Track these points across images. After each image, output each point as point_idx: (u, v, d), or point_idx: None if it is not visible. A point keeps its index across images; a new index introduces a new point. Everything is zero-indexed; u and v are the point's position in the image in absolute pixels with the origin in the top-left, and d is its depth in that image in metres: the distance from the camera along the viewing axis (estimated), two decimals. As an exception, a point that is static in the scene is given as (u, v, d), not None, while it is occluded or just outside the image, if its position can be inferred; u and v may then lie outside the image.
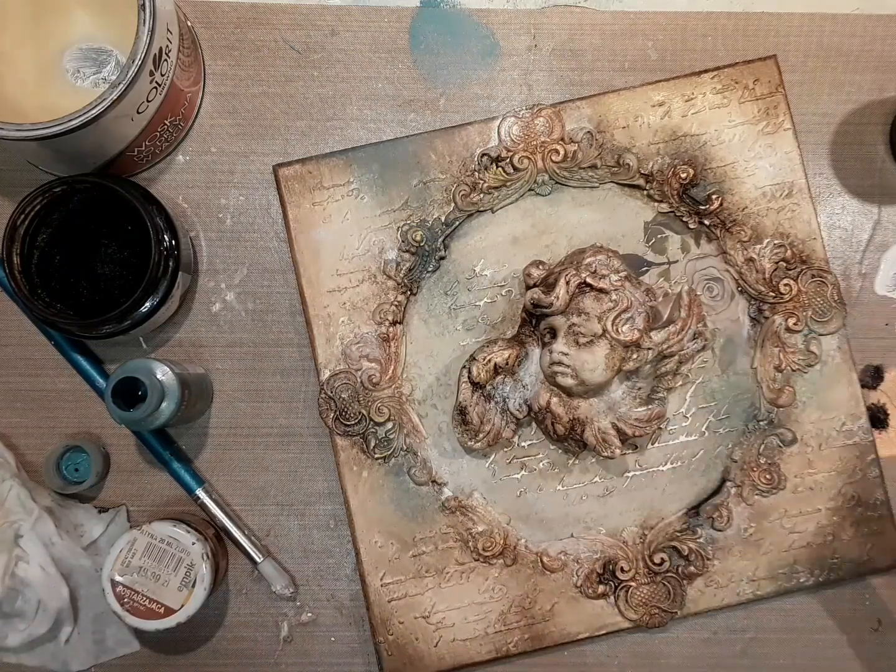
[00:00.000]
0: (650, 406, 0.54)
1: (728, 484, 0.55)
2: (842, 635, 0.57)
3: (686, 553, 0.54)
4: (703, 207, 0.56)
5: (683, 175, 0.56)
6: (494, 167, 0.56)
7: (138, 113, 0.48)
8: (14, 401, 0.56)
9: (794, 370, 0.55)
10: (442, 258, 0.57)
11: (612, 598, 0.55)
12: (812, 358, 0.55)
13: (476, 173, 0.56)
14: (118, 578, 0.50)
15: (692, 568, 0.54)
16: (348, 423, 0.55)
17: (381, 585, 0.55)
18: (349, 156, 0.56)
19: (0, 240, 0.48)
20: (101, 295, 0.51)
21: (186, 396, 0.50)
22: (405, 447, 0.55)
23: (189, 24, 0.54)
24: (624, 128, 0.56)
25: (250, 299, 0.58)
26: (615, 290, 0.50)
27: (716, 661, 0.56)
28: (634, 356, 0.52)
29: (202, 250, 0.57)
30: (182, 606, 0.50)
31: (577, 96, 0.57)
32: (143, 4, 0.44)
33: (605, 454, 0.52)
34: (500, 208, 0.57)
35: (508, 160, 0.56)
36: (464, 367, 0.54)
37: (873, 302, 0.59)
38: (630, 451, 0.56)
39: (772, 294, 0.56)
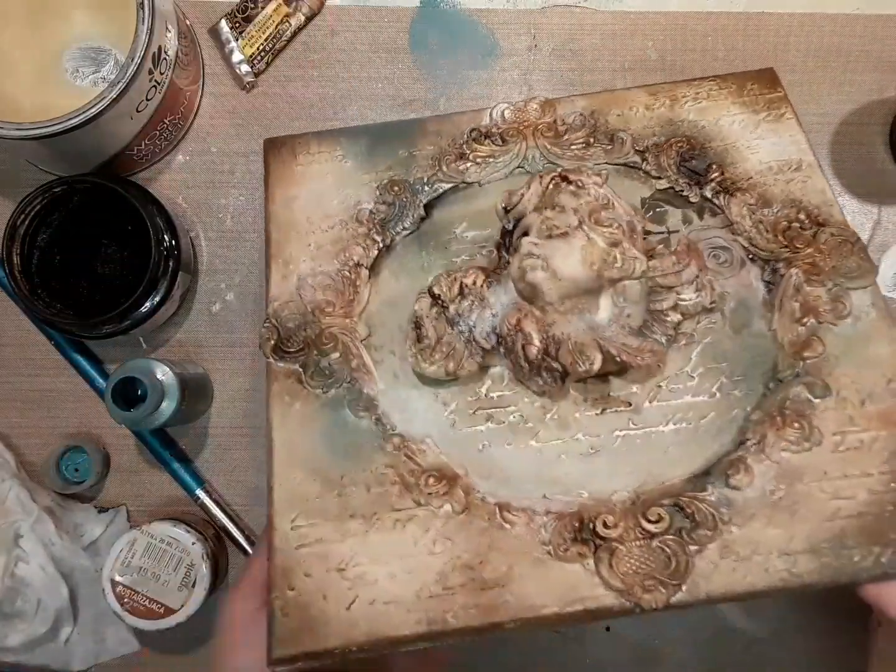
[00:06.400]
0: (643, 338, 0.50)
1: (748, 442, 0.48)
2: (841, 635, 0.58)
3: (691, 511, 0.45)
4: (703, 178, 0.58)
5: (682, 146, 0.58)
6: (483, 139, 0.61)
7: (137, 112, 0.52)
8: (14, 401, 0.59)
9: (820, 322, 0.51)
10: (423, 218, 0.59)
11: (591, 560, 0.45)
12: (841, 308, 0.52)
13: (464, 145, 0.61)
14: (118, 578, 0.53)
15: (700, 531, 0.45)
16: (288, 350, 0.53)
17: (291, 528, 0.47)
18: (340, 132, 0.62)
19: (0, 240, 0.51)
20: (101, 295, 0.54)
21: (186, 396, 0.53)
22: (349, 380, 0.52)
23: (188, 22, 0.59)
24: (618, 115, 0.62)
25: (250, 299, 0.61)
26: (595, 185, 0.51)
27: (716, 660, 0.53)
28: (618, 262, 0.50)
29: (202, 250, 0.62)
30: (182, 606, 0.52)
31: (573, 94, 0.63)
32: (142, 3, 0.48)
33: (582, 369, 0.48)
34: (488, 182, 0.60)
35: (498, 135, 0.61)
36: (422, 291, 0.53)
37: None
38: (623, 409, 0.50)
39: (786, 250, 0.54)
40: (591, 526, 0.46)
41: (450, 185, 0.60)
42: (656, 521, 0.46)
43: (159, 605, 0.52)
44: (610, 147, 0.60)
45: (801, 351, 0.50)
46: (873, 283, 0.53)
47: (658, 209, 0.58)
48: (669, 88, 0.63)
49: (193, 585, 0.52)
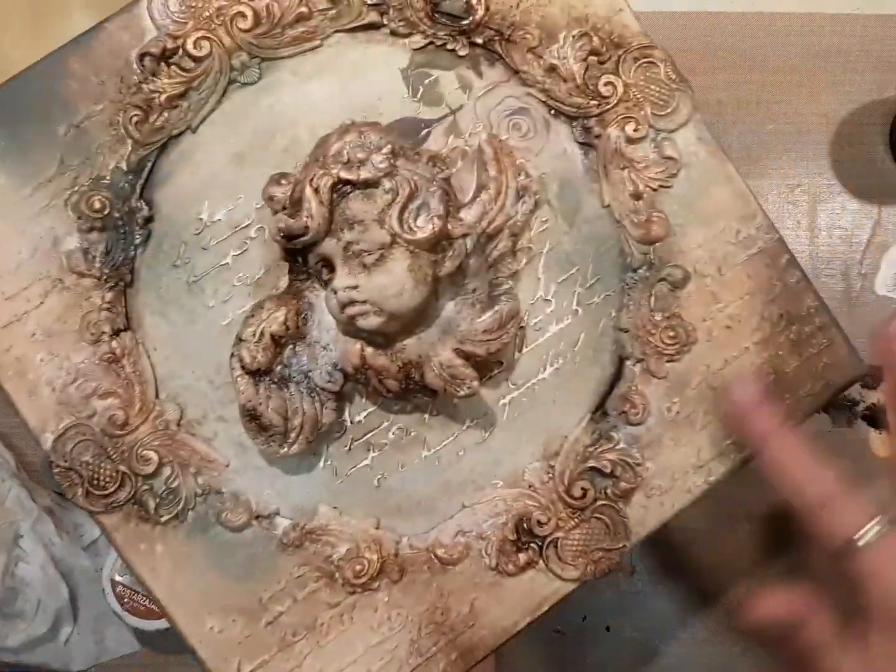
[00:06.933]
0: (497, 307, 0.43)
1: (628, 363, 0.46)
2: None
3: (610, 469, 0.46)
4: (465, 21, 0.45)
5: (421, -15, 0.44)
6: (166, 68, 0.43)
7: None
8: None
9: (655, 189, 0.46)
10: (148, 220, 0.44)
11: (540, 563, 0.45)
12: (671, 165, 0.46)
13: (144, 85, 0.43)
14: (118, 578, 0.53)
15: (623, 484, 0.46)
16: (107, 491, 0.43)
17: (244, 679, 0.44)
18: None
19: None
20: None
21: None
22: (200, 490, 0.44)
23: None
24: (320, -51, 0.44)
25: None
26: (386, 175, 0.39)
27: (716, 661, 0.57)
28: (449, 254, 0.41)
29: None
30: None
31: (241, -72, 0.44)
32: None
33: (463, 393, 0.42)
34: (201, 123, 0.44)
35: (181, 51, 0.43)
36: (232, 355, 0.42)
37: (873, 302, 0.64)
38: (495, 372, 0.45)
39: (594, 103, 0.46)
40: (526, 527, 0.45)
41: (154, 150, 0.44)
42: (582, 496, 0.45)
43: None
44: (335, 12, 0.44)
45: (647, 234, 0.46)
46: (694, 110, 0.46)
47: (427, 81, 0.46)
48: None
49: (193, 584, 0.53)
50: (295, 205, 0.40)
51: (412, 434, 0.46)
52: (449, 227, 0.40)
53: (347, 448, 0.45)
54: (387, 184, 0.39)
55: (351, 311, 0.40)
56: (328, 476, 0.45)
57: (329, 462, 0.45)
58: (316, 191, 0.39)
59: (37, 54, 0.46)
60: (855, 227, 0.65)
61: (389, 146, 0.40)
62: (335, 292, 0.40)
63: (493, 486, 0.46)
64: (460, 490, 0.46)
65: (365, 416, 0.46)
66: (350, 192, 0.39)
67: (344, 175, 0.39)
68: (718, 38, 0.61)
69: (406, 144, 0.42)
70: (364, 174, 0.39)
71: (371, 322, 0.40)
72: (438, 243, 0.41)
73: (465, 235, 0.41)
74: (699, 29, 0.61)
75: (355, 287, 0.40)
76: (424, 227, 0.40)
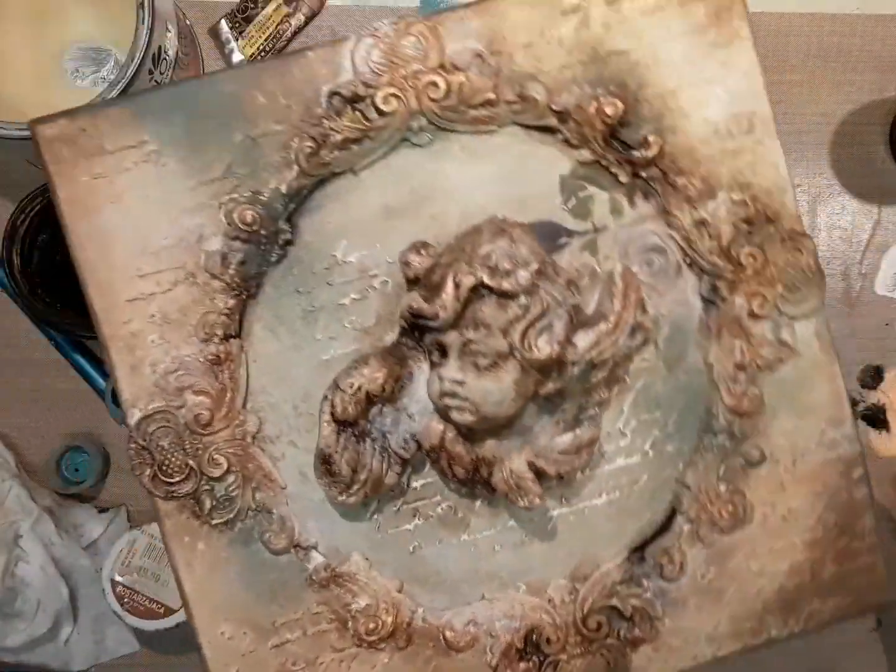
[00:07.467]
0: (578, 431, 0.45)
1: (679, 519, 0.48)
2: (841, 636, 0.62)
3: (629, 614, 0.47)
4: (637, 154, 0.46)
5: (610, 111, 0.45)
6: (350, 111, 0.45)
7: None
8: (14, 401, 0.60)
9: (760, 368, 0.47)
10: (288, 242, 0.46)
11: (537, 676, 0.47)
12: (784, 351, 0.47)
13: (325, 121, 0.45)
14: (118, 578, 0.54)
15: (638, 631, 0.47)
16: (172, 480, 0.45)
17: (235, 688, 0.46)
18: (138, 103, 0.44)
19: (0, 240, 0.52)
20: None
21: None
22: (254, 506, 0.46)
23: (188, 22, 0.56)
24: (526, 46, 0.46)
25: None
26: (525, 292, 0.41)
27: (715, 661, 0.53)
28: (554, 375, 0.43)
29: None
30: (182, 606, 0.50)
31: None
32: (142, 3, 0.47)
33: (522, 504, 0.44)
34: (365, 168, 0.46)
35: (369, 100, 0.45)
36: (325, 397, 0.44)
37: (873, 302, 0.64)
38: (553, 485, 0.47)
39: (730, 267, 0.47)
40: (535, 640, 0.47)
41: (315, 181, 0.46)
42: (596, 630, 0.47)
43: (159, 605, 0.53)
44: (520, 107, 0.46)
45: (739, 406, 0.47)
46: (822, 305, 0.47)
47: (581, 193, 0.47)
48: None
49: (193, 585, 0.54)
50: (432, 288, 0.41)
51: (459, 515, 0.48)
52: (565, 352, 0.42)
53: (397, 509, 0.48)
54: (522, 299, 0.41)
55: (450, 402, 0.42)
56: (370, 528, 0.47)
57: (375, 516, 0.47)
58: (457, 286, 0.40)
59: (37, 54, 0.49)
60: (855, 227, 0.65)
61: (536, 266, 0.41)
62: (441, 379, 0.42)
63: (517, 588, 0.48)
64: (485, 581, 0.48)
65: (422, 485, 0.48)
66: (486, 296, 0.41)
67: (487, 281, 0.40)
68: (718, 37, 0.62)
69: (547, 259, 0.44)
70: (506, 286, 0.40)
71: (465, 418, 0.42)
72: (549, 368, 0.42)
73: (574, 363, 0.43)
74: (699, 28, 0.61)
75: (462, 383, 0.41)
76: (544, 349, 0.41)
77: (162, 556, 0.54)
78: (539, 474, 0.44)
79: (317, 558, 0.47)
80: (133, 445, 0.45)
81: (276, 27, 0.55)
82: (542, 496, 0.44)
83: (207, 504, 0.45)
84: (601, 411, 0.47)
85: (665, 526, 0.48)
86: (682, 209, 0.47)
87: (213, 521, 0.46)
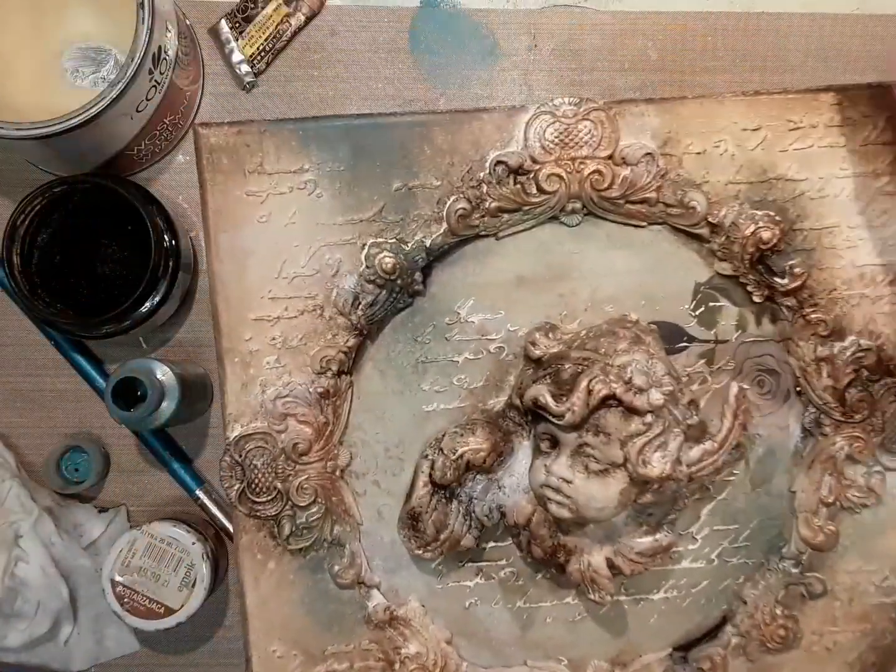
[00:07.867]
0: (658, 535, 0.46)
1: (729, 629, 0.49)
2: None
3: (660, 712, 0.49)
4: (779, 281, 0.46)
5: (766, 236, 0.45)
6: (512, 182, 0.45)
7: (137, 112, 0.50)
8: (14, 401, 0.60)
9: (843, 507, 0.48)
10: (417, 292, 0.46)
11: (559, 752, 0.49)
12: (871, 497, 0.48)
13: (485, 186, 0.44)
14: (118, 578, 0.53)
15: (664, 728, 0.49)
16: (259, 500, 0.46)
17: (276, 706, 0.48)
18: (308, 128, 0.44)
19: (0, 240, 0.52)
20: (101, 295, 0.54)
21: (186, 396, 0.52)
22: (330, 538, 0.47)
23: (188, 22, 0.56)
24: (699, 154, 0.45)
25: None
26: (652, 411, 0.41)
27: None
28: (655, 488, 0.43)
29: (202, 250, 0.55)
30: (182, 606, 0.53)
31: (644, 97, 0.45)
32: (142, 3, 0.47)
33: (592, 598, 0.45)
34: (507, 235, 0.46)
35: (533, 176, 0.44)
36: (425, 455, 0.45)
37: None
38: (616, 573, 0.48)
39: (840, 409, 0.47)
40: (565, 718, 0.49)
41: (458, 240, 0.45)
42: (625, 719, 0.49)
43: (159, 605, 0.53)
44: (676, 210, 0.45)
45: (813, 539, 0.48)
46: (916, 461, 0.48)
47: (712, 304, 0.47)
48: (775, 107, 0.45)
49: (193, 585, 0.52)
50: (560, 384, 0.42)
51: (519, 582, 0.49)
52: (674, 472, 0.43)
53: (462, 563, 0.49)
54: (648, 418, 0.41)
55: (551, 495, 0.43)
56: (433, 577, 0.49)
57: (440, 566, 0.49)
58: (589, 392, 0.41)
59: (37, 54, 0.50)
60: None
61: (670, 388, 0.42)
62: (548, 473, 0.42)
63: (559, 661, 0.50)
64: (531, 648, 0.50)
65: (491, 546, 0.49)
66: (613, 405, 0.42)
67: (620, 395, 0.41)
68: (718, 38, 0.59)
69: (678, 379, 0.44)
70: (637, 403, 0.41)
71: (562, 514, 0.43)
72: (654, 482, 0.43)
73: (677, 480, 0.44)
74: (699, 29, 0.59)
75: (569, 482, 0.42)
76: (657, 467, 0.42)
77: (162, 556, 0.54)
78: (612, 569, 0.45)
79: (377, 597, 0.48)
80: (227, 459, 0.46)
81: (276, 27, 0.55)
82: (613, 595, 0.45)
83: (287, 529, 0.46)
84: (679, 514, 0.48)
85: (713, 633, 0.50)
86: (807, 341, 0.47)
87: (289, 547, 0.47)
